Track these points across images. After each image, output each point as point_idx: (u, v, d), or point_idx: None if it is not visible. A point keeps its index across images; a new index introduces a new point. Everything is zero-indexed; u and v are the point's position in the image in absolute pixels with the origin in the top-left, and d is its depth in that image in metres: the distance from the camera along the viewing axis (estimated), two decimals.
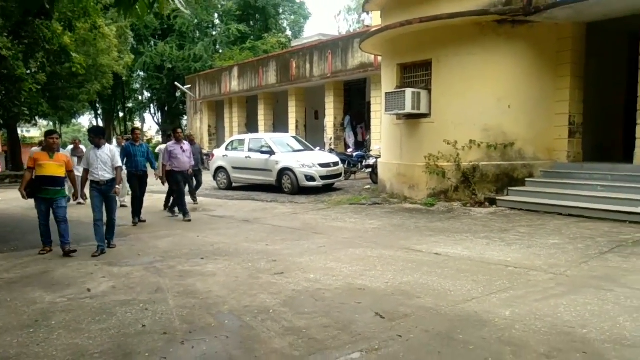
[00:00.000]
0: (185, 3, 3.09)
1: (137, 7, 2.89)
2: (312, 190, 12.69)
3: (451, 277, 5.13)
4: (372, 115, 17.43)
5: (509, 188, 9.72)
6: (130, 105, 42.39)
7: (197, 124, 28.30)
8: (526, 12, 9.30)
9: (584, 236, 6.80)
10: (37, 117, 24.90)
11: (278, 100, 23.15)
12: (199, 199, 11.82)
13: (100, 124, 38.22)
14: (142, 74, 37.13)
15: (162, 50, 32.71)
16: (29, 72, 17.65)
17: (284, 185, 12.92)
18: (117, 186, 7.01)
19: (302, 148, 14.11)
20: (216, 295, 4.79)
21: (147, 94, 41.17)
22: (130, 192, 9.70)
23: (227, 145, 15.06)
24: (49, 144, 6.77)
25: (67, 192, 7.29)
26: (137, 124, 48.15)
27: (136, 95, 42.26)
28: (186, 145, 9.90)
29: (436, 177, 10.03)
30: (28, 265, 6.26)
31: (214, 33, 35.63)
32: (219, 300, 4.62)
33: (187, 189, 10.47)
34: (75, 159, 11.43)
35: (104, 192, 6.91)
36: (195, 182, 11.66)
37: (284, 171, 12.89)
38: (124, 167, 9.03)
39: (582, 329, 3.71)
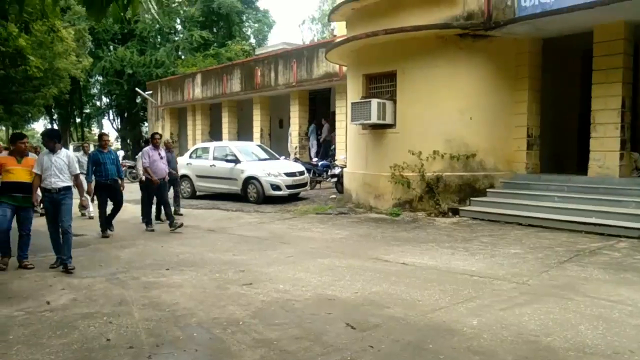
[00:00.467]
0: (156, 5, 3.04)
1: (109, 9, 2.82)
2: (277, 199, 12.64)
3: (419, 286, 5.20)
4: (337, 124, 17.54)
5: (471, 198, 9.96)
6: (87, 110, 41.19)
7: (159, 130, 27.69)
8: (486, 27, 9.62)
9: (543, 246, 7.04)
10: None
11: (242, 108, 22.99)
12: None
13: None
14: (100, 78, 36.20)
15: (122, 55, 31.98)
16: None
17: (249, 194, 12.81)
18: (82, 198, 6.55)
19: (267, 157, 14.04)
20: (183, 307, 4.68)
21: (105, 100, 40.13)
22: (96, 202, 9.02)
23: (191, 153, 14.82)
24: (19, 149, 6.33)
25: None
26: (95, 130, 46.83)
27: (94, 101, 41.12)
28: (163, 152, 9.61)
29: (401, 187, 10.18)
30: None
31: (177, 39, 35.21)
32: (187, 313, 4.52)
33: (171, 194, 10.24)
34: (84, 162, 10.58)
35: (57, 201, 6.29)
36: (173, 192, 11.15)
37: (249, 180, 12.79)
38: (93, 177, 8.57)
39: (547, 337, 3.82)
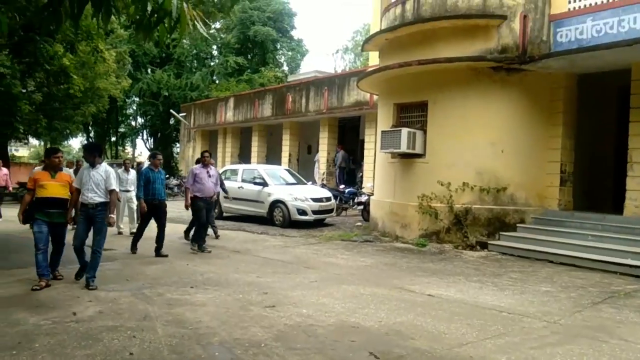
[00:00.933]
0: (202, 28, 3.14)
1: (157, 30, 2.93)
2: (303, 224, 12.63)
3: (445, 319, 5.07)
4: (366, 152, 17.57)
5: (501, 233, 9.74)
6: (122, 129, 42.36)
7: (190, 152, 28.27)
8: (521, 61, 9.57)
9: (576, 285, 6.80)
10: (29, 136, 24.70)
11: (272, 133, 23.30)
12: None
13: None
14: (137, 99, 37.31)
15: (160, 77, 32.96)
16: (24, 91, 17.66)
17: (275, 217, 12.84)
18: (111, 215, 6.28)
19: (295, 181, 14.12)
20: (206, 325, 4.67)
21: (140, 120, 41.24)
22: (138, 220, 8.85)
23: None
24: (53, 163, 6.17)
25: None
26: (128, 149, 48.01)
27: (129, 120, 42.28)
28: (212, 170, 9.34)
29: (429, 218, 10.05)
30: (12, 285, 6.09)
31: (212, 64, 36.16)
32: (209, 331, 4.51)
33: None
34: (127, 177, 10.95)
35: (92, 217, 6.19)
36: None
37: (276, 203, 12.84)
38: (141, 195, 8.39)
39: None
